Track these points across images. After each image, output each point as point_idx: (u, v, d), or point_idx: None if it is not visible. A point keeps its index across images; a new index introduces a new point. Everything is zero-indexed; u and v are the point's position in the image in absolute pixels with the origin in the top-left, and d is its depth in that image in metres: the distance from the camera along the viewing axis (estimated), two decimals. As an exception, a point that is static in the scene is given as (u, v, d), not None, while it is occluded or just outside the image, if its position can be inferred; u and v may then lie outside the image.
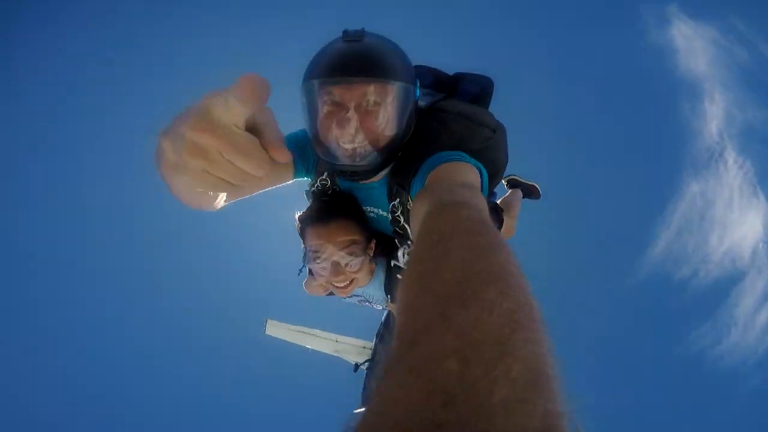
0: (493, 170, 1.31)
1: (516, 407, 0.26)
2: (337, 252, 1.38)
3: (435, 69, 1.52)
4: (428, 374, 0.30)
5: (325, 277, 1.42)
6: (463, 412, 0.26)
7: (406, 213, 1.25)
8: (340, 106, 1.09)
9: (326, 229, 1.37)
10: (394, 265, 1.49)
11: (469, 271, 0.42)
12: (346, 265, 1.40)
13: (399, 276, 1.45)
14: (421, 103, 1.28)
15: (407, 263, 0.60)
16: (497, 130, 1.35)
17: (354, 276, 1.43)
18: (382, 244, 1.49)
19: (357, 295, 1.77)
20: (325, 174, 1.36)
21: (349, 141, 1.10)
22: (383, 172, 1.25)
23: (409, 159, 1.18)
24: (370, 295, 1.74)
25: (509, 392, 0.27)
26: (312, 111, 1.14)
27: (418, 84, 1.20)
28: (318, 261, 1.41)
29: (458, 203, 0.66)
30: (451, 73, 1.52)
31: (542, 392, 0.29)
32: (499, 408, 0.26)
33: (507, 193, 2.80)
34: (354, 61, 1.08)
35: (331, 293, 1.71)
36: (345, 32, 1.13)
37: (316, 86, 1.11)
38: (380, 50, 1.12)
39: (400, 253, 1.41)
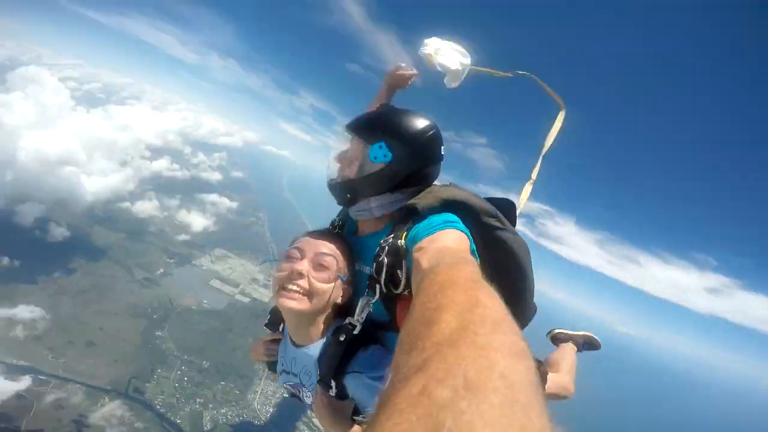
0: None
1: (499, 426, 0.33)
2: (317, 252, 1.41)
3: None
4: (421, 404, 0.35)
5: (289, 268, 1.38)
6: None
7: (391, 251, 1.30)
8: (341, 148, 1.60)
9: (326, 236, 1.49)
10: (346, 323, 1.36)
11: (466, 319, 0.48)
12: (319, 269, 1.39)
13: (341, 339, 1.34)
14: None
15: (409, 312, 0.64)
16: (506, 224, 1.51)
17: (315, 287, 1.37)
18: (347, 308, 1.45)
19: (293, 373, 1.55)
20: (338, 217, 1.74)
21: (332, 172, 1.58)
22: (374, 228, 1.53)
23: (410, 214, 1.39)
24: (306, 371, 1.48)
25: (493, 414, 0.34)
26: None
27: (396, 148, 1.46)
28: (290, 257, 1.42)
29: (456, 262, 0.79)
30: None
31: (523, 411, 0.35)
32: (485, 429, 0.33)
33: (555, 351, 2.60)
34: (352, 120, 1.58)
35: (273, 351, 1.65)
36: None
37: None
38: (369, 117, 1.57)
39: (359, 305, 1.33)
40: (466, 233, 1.29)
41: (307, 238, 1.47)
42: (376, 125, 1.51)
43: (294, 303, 1.36)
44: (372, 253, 1.37)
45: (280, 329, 1.69)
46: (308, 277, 1.37)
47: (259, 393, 41.34)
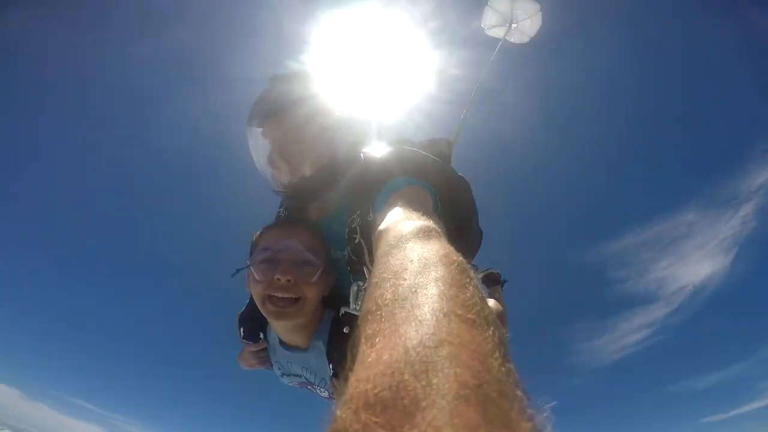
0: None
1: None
2: (294, 251, 1.25)
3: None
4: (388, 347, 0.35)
5: (270, 276, 1.22)
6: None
7: (364, 230, 1.24)
8: (277, 146, 1.29)
9: (292, 228, 1.32)
10: (344, 313, 1.26)
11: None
12: (303, 269, 1.24)
13: (345, 331, 1.25)
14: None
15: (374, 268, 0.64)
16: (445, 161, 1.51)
17: (303, 290, 1.24)
18: (333, 297, 1.35)
19: (295, 374, 1.49)
20: (281, 208, 1.54)
21: (287, 176, 1.29)
22: (337, 204, 1.37)
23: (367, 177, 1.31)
24: (311, 371, 1.42)
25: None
26: (254, 153, 1.37)
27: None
28: (267, 259, 1.25)
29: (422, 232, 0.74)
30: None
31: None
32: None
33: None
34: (270, 108, 1.29)
35: (264, 357, 1.54)
36: (272, 76, 1.35)
37: (249, 132, 1.33)
38: (292, 93, 1.30)
39: (352, 293, 1.23)
40: (425, 187, 1.21)
41: (274, 235, 1.30)
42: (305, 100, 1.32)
43: (292, 318, 1.25)
44: (339, 235, 1.29)
45: (262, 337, 1.55)
46: (297, 280, 1.23)
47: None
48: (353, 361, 0.38)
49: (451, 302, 0.42)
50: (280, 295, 1.23)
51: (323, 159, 1.29)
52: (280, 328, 1.41)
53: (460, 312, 0.40)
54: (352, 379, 0.33)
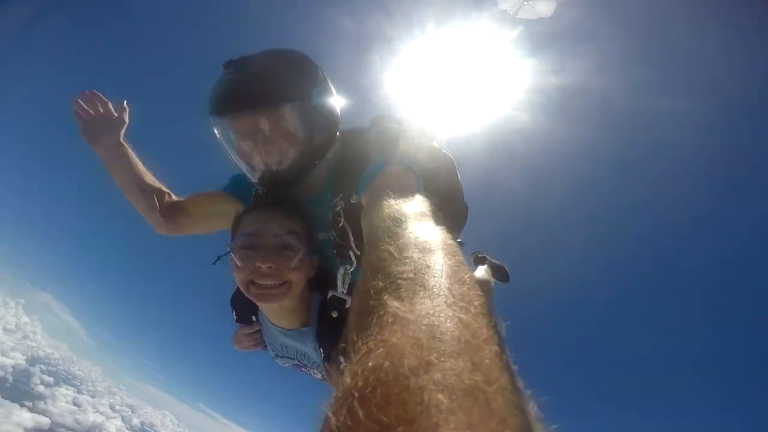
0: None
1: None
2: (275, 236, 1.21)
3: None
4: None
5: (251, 264, 1.19)
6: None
7: (348, 213, 1.23)
8: (244, 137, 1.22)
9: (269, 213, 1.27)
10: (331, 296, 1.26)
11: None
12: (283, 255, 1.20)
13: (334, 315, 1.24)
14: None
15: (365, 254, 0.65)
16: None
17: (287, 275, 1.21)
18: (321, 279, 1.33)
19: (289, 356, 1.50)
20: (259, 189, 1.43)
21: (261, 165, 1.25)
22: (321, 184, 1.34)
23: (349, 163, 1.28)
24: (302, 353, 1.44)
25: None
26: (223, 144, 1.31)
27: (326, 87, 1.29)
28: (247, 245, 1.21)
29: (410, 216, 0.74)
30: None
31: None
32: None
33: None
34: (236, 95, 1.19)
35: (258, 339, 1.52)
36: (227, 62, 1.21)
37: (213, 122, 1.26)
38: (260, 76, 1.19)
39: (339, 277, 1.23)
40: (408, 166, 1.19)
41: (253, 220, 1.26)
42: (290, 73, 1.24)
43: (275, 299, 1.23)
44: (323, 217, 1.28)
45: (254, 319, 1.55)
46: (279, 266, 1.20)
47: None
48: (349, 352, 0.36)
49: (452, 293, 0.41)
50: (262, 282, 1.21)
51: (298, 145, 1.23)
52: (267, 311, 1.40)
53: (461, 304, 0.39)
54: (349, 371, 0.32)
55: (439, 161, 1.49)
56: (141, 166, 1.49)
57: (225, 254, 1.29)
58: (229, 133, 1.26)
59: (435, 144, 1.56)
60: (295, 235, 1.23)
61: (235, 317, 1.57)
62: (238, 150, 1.26)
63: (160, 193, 1.48)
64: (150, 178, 1.49)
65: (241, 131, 1.23)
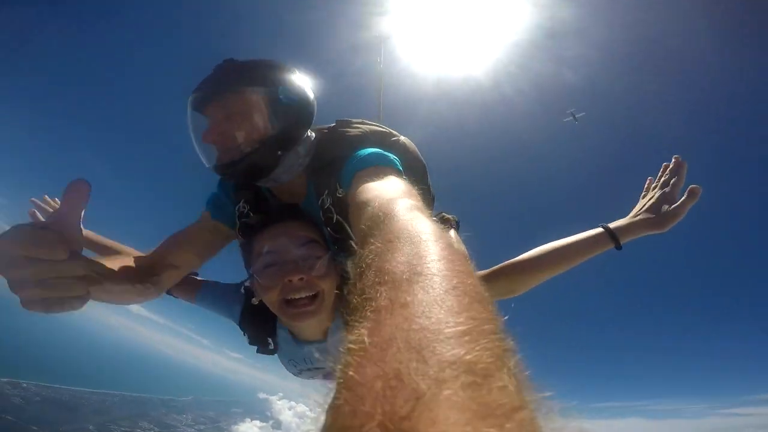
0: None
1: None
2: (296, 248, 1.19)
3: None
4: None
5: (281, 280, 1.16)
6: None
7: (338, 207, 1.22)
8: (209, 119, 1.28)
9: (281, 227, 1.24)
10: None
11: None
12: (310, 264, 1.18)
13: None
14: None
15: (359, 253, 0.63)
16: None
17: (319, 284, 1.18)
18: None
19: (318, 367, 1.43)
20: (241, 202, 1.39)
21: (222, 148, 1.27)
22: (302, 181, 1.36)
23: (328, 157, 1.30)
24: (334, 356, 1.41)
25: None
26: (191, 131, 1.34)
27: (299, 85, 1.33)
28: (270, 263, 1.18)
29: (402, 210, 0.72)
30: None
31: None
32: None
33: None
34: (207, 80, 1.29)
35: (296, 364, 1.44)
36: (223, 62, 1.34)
37: (187, 111, 1.32)
38: (235, 67, 1.31)
39: (351, 271, 1.20)
40: (389, 156, 1.18)
41: (267, 237, 1.22)
42: (262, 68, 1.32)
43: (312, 316, 1.20)
44: (315, 218, 1.28)
45: (271, 342, 1.48)
46: (309, 277, 1.17)
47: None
48: (349, 344, 0.36)
49: (452, 283, 0.41)
50: (297, 296, 1.18)
51: (260, 132, 1.25)
52: (298, 329, 1.37)
53: (462, 293, 0.39)
54: (349, 364, 0.31)
55: (406, 148, 1.54)
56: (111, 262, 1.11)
57: (246, 280, 1.26)
58: (197, 117, 1.31)
59: (396, 134, 1.58)
60: (314, 242, 1.22)
61: (256, 347, 1.52)
62: (203, 134, 1.28)
63: (133, 272, 1.17)
64: (121, 261, 1.18)
65: (207, 113, 1.29)
